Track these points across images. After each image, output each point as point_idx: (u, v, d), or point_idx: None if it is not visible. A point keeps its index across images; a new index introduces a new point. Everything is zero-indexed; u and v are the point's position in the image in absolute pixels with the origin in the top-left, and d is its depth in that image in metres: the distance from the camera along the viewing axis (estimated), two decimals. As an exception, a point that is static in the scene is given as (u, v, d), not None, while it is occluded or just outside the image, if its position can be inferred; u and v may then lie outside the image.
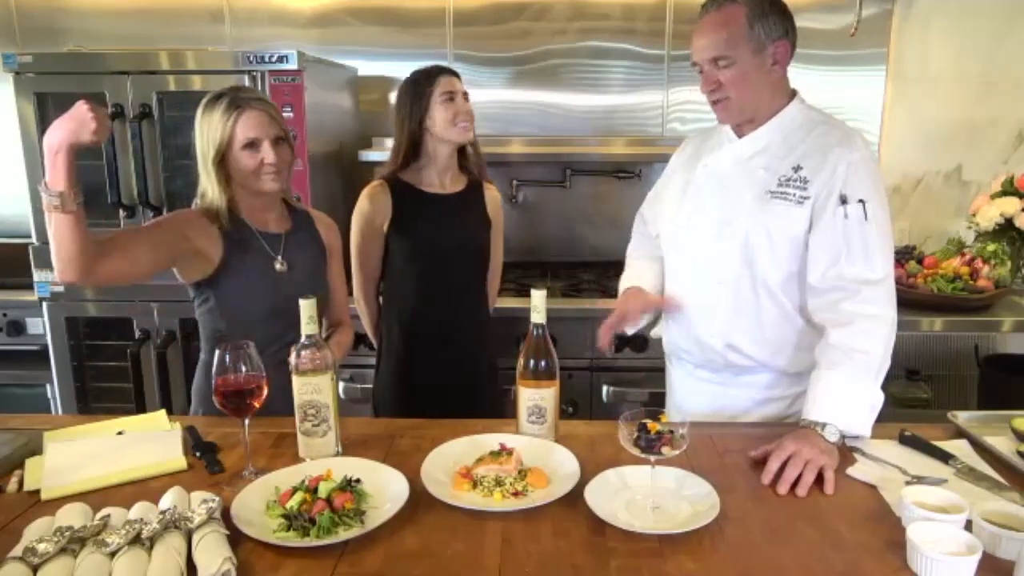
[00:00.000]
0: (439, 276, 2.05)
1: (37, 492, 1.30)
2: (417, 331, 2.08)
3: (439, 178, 2.07)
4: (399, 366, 2.11)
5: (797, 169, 1.56)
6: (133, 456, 1.41)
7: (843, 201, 1.51)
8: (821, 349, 1.52)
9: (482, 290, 2.16)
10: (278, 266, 1.77)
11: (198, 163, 1.71)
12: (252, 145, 1.66)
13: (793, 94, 1.63)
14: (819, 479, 1.31)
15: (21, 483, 1.34)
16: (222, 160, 1.67)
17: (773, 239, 1.57)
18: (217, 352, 1.32)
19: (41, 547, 1.05)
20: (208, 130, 1.67)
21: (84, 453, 1.42)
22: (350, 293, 2.29)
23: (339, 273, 1.96)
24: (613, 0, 3.00)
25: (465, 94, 2.03)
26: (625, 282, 1.85)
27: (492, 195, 2.17)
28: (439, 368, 2.08)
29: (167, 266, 1.71)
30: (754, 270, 1.60)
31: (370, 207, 2.05)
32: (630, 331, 1.78)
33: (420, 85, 2.00)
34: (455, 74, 2.04)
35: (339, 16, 3.08)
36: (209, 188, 1.70)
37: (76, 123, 1.42)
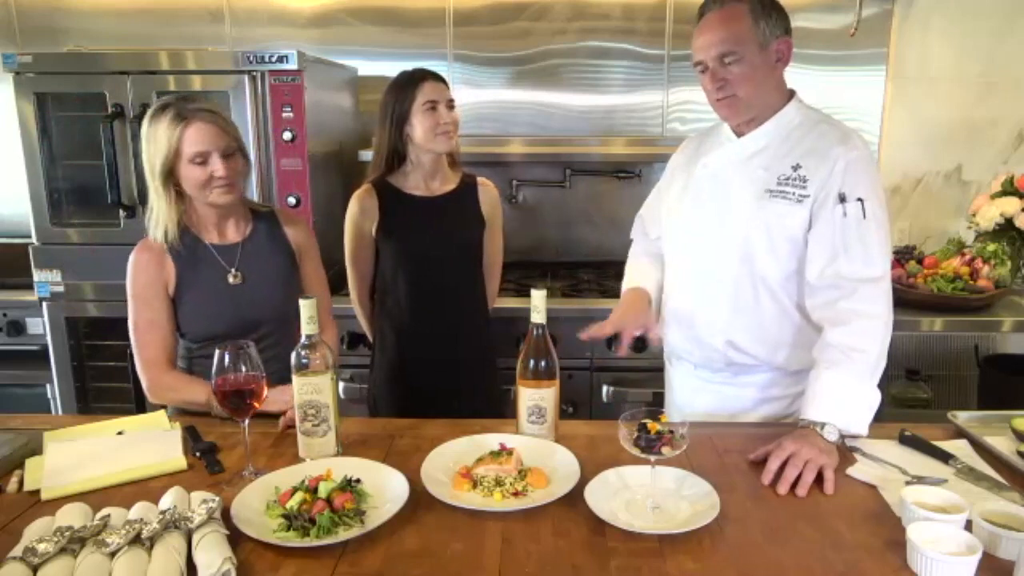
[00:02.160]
0: (428, 278, 2.05)
1: (37, 492, 1.30)
2: (409, 332, 2.08)
3: (425, 182, 2.06)
4: (392, 367, 2.11)
5: (796, 168, 1.56)
6: (133, 456, 1.41)
7: (842, 199, 1.51)
8: (819, 348, 1.52)
9: (476, 290, 2.15)
10: (231, 279, 1.72)
11: (146, 177, 1.67)
12: (200, 158, 1.60)
13: (791, 94, 1.63)
14: (819, 479, 1.31)
15: (21, 483, 1.34)
16: (170, 174, 1.63)
17: (772, 238, 1.57)
18: (217, 352, 1.32)
19: (41, 547, 1.05)
20: (154, 144, 1.62)
21: (84, 453, 1.42)
22: (344, 292, 2.30)
23: (315, 275, 1.88)
24: (613, 0, 3.00)
25: (450, 101, 2.00)
26: (628, 281, 1.85)
27: (488, 193, 2.15)
28: (433, 368, 2.08)
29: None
30: (754, 268, 1.60)
31: (358, 211, 2.06)
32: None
33: (402, 91, 1.98)
34: (439, 79, 2.01)
35: (339, 16, 3.08)
36: (156, 204, 1.66)
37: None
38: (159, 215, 1.67)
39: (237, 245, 1.75)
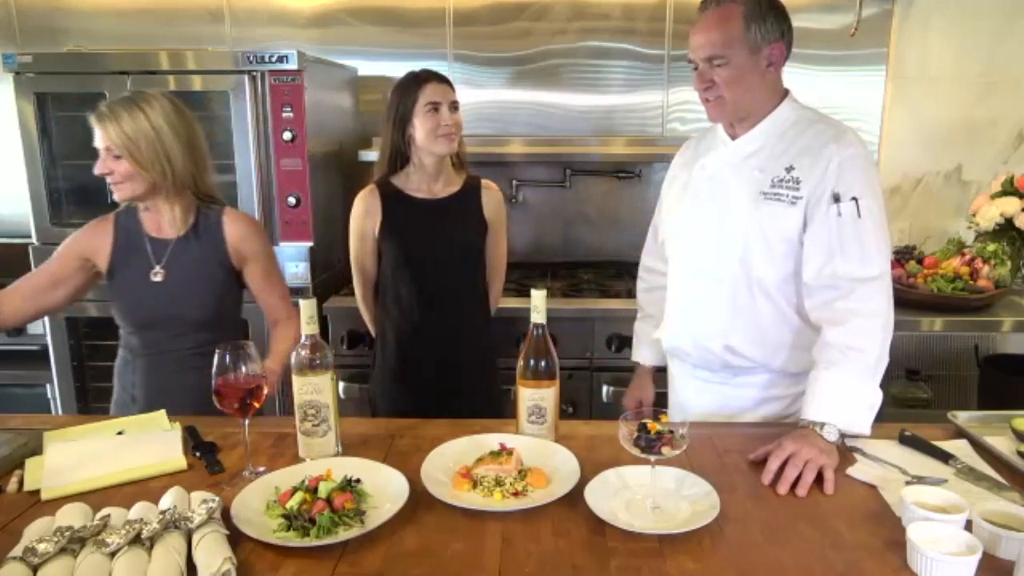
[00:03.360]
0: (429, 279, 2.05)
1: (37, 492, 1.30)
2: (409, 332, 2.08)
3: (428, 184, 2.06)
4: (393, 366, 2.11)
5: (790, 170, 1.55)
6: (133, 456, 1.41)
7: (836, 199, 1.51)
8: (819, 348, 1.52)
9: (477, 291, 2.14)
10: (152, 276, 1.75)
11: None
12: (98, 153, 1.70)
13: (785, 93, 1.63)
14: (819, 479, 1.31)
15: (21, 483, 1.34)
16: None
17: (768, 240, 1.57)
18: (217, 352, 1.32)
19: (41, 547, 1.04)
20: None
21: (84, 453, 1.42)
22: (344, 292, 2.30)
23: (264, 276, 1.84)
24: (613, 0, 3.01)
25: (454, 103, 1.99)
26: (635, 352, 2.00)
27: (491, 196, 2.14)
28: (433, 368, 2.08)
29: (80, 293, 1.80)
30: (750, 271, 1.60)
31: (361, 211, 2.06)
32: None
33: (405, 91, 1.98)
34: (444, 80, 2.00)
35: (339, 16, 3.08)
36: None
37: None
38: None
39: (171, 241, 1.77)
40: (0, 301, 1.73)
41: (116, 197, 1.73)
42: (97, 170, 1.69)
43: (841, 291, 1.50)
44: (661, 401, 1.98)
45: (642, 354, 1.97)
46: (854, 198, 1.50)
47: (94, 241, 1.79)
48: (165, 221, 1.78)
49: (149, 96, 1.71)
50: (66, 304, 1.81)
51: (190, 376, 1.72)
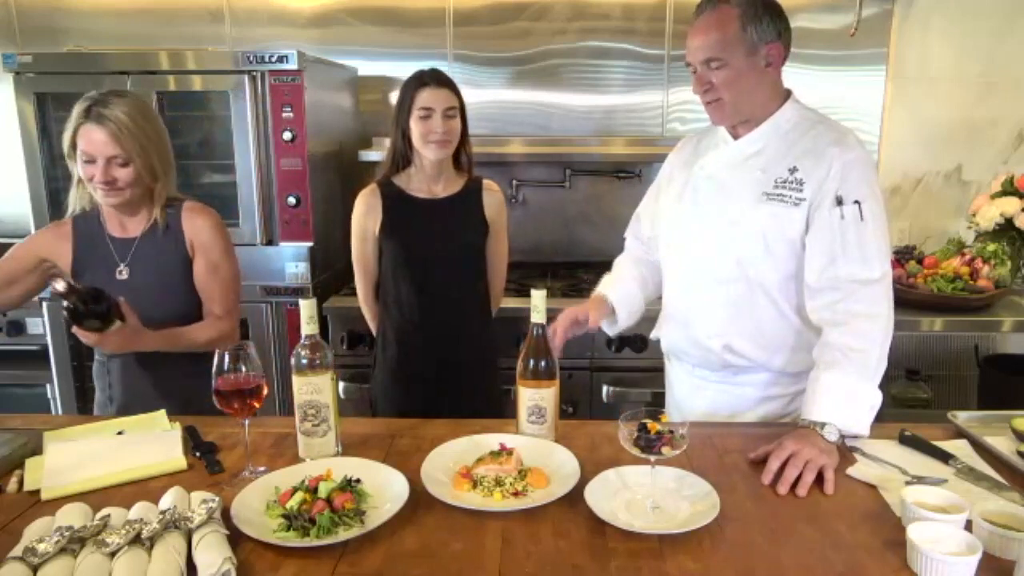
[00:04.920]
0: (430, 279, 2.05)
1: (37, 492, 1.30)
2: (410, 332, 2.08)
3: (428, 184, 2.06)
4: (394, 366, 2.11)
5: (793, 171, 1.56)
6: (133, 456, 1.41)
7: (839, 202, 1.51)
8: (819, 349, 1.52)
9: (478, 291, 2.14)
10: (118, 275, 1.74)
11: None
12: (87, 157, 1.65)
13: (788, 94, 1.63)
14: (819, 479, 1.31)
15: (21, 483, 1.34)
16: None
17: (769, 241, 1.57)
18: (217, 352, 1.32)
19: (41, 547, 1.04)
20: (65, 129, 1.67)
21: (84, 453, 1.42)
22: (345, 292, 2.30)
23: (210, 270, 1.77)
24: (613, 0, 3.01)
25: (449, 110, 1.96)
26: (599, 287, 1.84)
27: (492, 196, 2.14)
28: (434, 368, 2.08)
29: (33, 293, 1.79)
30: (751, 271, 1.59)
31: (362, 211, 2.06)
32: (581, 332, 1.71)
33: (405, 92, 1.97)
34: (444, 84, 1.97)
35: (339, 16, 3.08)
36: (74, 181, 1.75)
37: None
38: (72, 193, 1.78)
39: (134, 239, 1.76)
40: None
41: (111, 203, 1.70)
42: (99, 178, 1.64)
43: (843, 293, 1.50)
44: (660, 401, 1.98)
45: (600, 288, 1.81)
46: (857, 201, 1.50)
47: (54, 246, 1.77)
48: (135, 219, 1.76)
49: (144, 105, 1.72)
50: (20, 303, 1.80)
51: (166, 374, 1.73)
